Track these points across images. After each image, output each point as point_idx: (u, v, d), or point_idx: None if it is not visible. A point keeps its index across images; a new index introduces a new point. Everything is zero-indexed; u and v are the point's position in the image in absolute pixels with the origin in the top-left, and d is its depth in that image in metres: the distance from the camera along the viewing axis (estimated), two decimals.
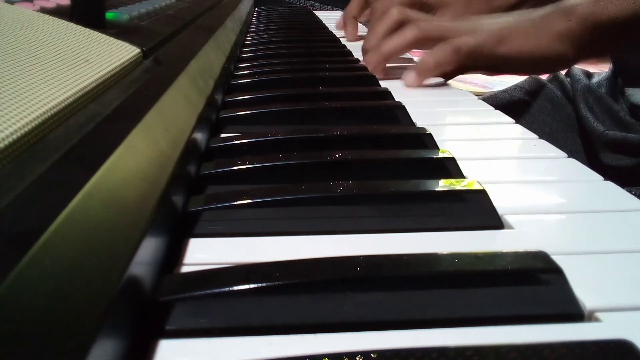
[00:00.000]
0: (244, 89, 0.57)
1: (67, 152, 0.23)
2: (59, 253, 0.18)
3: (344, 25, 1.01)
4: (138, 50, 0.41)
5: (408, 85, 0.61)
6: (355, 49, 0.80)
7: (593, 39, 0.61)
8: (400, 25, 0.66)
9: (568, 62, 0.66)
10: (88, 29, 0.40)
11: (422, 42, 0.65)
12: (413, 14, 0.68)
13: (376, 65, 0.65)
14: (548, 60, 0.62)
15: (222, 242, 0.28)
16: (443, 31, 0.63)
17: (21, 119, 0.23)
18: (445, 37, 0.62)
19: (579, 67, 0.86)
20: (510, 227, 0.29)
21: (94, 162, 0.23)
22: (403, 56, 0.74)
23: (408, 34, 0.64)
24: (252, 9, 1.35)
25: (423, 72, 0.61)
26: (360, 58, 0.75)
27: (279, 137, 0.39)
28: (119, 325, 0.18)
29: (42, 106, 0.25)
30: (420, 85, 0.61)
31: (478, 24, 0.64)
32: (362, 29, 1.02)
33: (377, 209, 0.30)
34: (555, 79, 0.89)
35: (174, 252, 0.26)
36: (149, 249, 0.22)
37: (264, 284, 0.22)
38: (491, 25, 0.63)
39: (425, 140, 0.40)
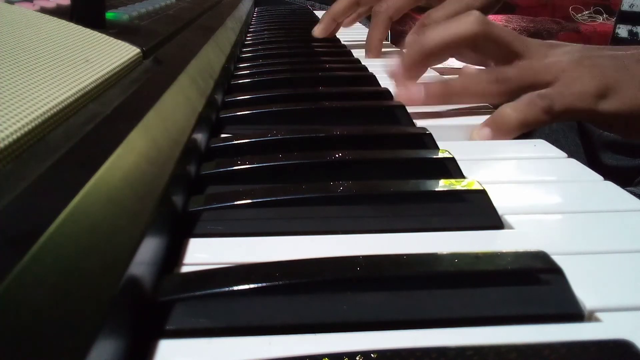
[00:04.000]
0: (244, 89, 0.57)
1: (67, 152, 0.23)
2: (59, 253, 0.18)
3: (321, 22, 0.89)
4: (138, 50, 0.41)
5: (476, 139, 0.45)
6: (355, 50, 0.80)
7: None
8: (477, 41, 0.50)
9: None
10: (88, 29, 0.40)
11: (481, 43, 0.49)
12: (495, 26, 0.50)
13: (411, 62, 0.50)
14: None
15: (222, 242, 0.28)
16: (529, 75, 0.48)
17: (21, 119, 0.23)
18: (533, 83, 0.47)
19: None
20: (510, 227, 0.29)
21: (94, 162, 0.23)
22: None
23: (487, 86, 0.48)
24: (252, 9, 1.35)
25: (503, 130, 0.45)
26: (358, 56, 0.75)
27: (279, 137, 0.39)
28: (119, 325, 0.18)
29: (42, 106, 0.25)
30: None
31: (572, 61, 0.47)
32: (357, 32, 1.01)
33: (377, 209, 0.30)
34: None
35: (174, 252, 0.26)
36: (149, 249, 0.22)
37: (264, 284, 0.22)
38: (590, 69, 0.46)
39: (425, 140, 0.40)
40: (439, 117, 0.49)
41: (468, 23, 0.49)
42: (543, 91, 0.46)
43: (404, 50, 0.56)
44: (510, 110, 0.45)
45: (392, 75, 0.52)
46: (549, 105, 0.45)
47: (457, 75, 0.52)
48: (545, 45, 0.51)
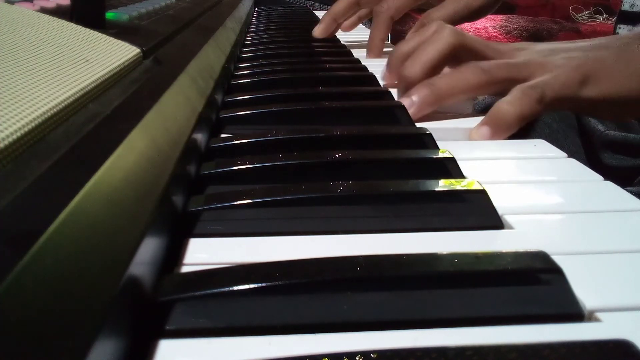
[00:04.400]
0: (244, 89, 0.57)
1: (67, 152, 0.23)
2: (59, 253, 0.18)
3: (321, 22, 0.88)
4: (138, 50, 0.41)
5: (476, 139, 0.45)
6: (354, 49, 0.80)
7: None
8: (455, 52, 0.52)
9: None
10: (88, 29, 0.40)
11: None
12: (467, 36, 0.53)
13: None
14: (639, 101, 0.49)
15: (222, 242, 0.28)
16: (512, 70, 0.49)
17: (21, 119, 0.23)
18: (515, 78, 0.48)
19: None
20: (510, 227, 0.29)
21: (94, 162, 0.23)
22: None
23: (471, 77, 0.48)
24: (252, 9, 1.35)
25: (502, 126, 0.45)
26: (358, 56, 0.75)
27: (279, 137, 0.39)
28: (119, 325, 0.18)
29: (42, 106, 0.25)
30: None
31: (548, 57, 0.50)
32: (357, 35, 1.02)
33: (377, 209, 0.30)
34: None
35: (174, 252, 0.26)
36: (149, 249, 0.22)
37: (264, 284, 0.22)
38: (568, 60, 0.49)
39: (425, 140, 0.40)
40: (439, 119, 0.49)
41: (444, 37, 0.51)
42: (532, 82, 0.47)
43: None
44: (507, 105, 0.45)
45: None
46: (541, 94, 0.46)
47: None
48: (515, 47, 0.54)
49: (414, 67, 0.51)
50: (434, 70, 0.52)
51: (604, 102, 0.49)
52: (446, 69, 0.53)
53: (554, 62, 0.49)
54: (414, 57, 0.52)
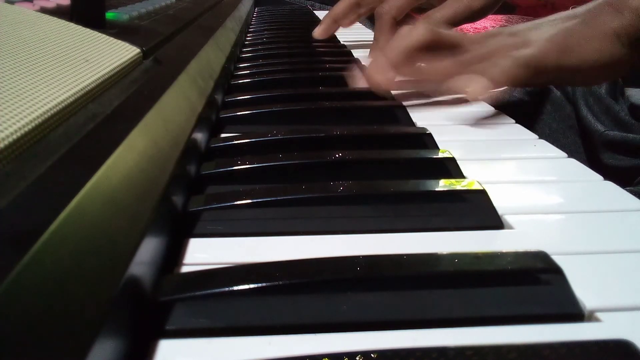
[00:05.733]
0: (244, 89, 0.57)
1: (67, 152, 0.23)
2: (59, 253, 0.18)
3: (322, 23, 0.89)
4: (138, 50, 0.41)
5: (472, 99, 0.51)
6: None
7: None
8: (428, 45, 0.55)
9: (631, 64, 0.55)
10: (88, 29, 0.40)
11: (433, 46, 0.54)
12: (443, 31, 0.56)
13: (386, 75, 0.53)
14: (611, 65, 0.53)
15: (222, 242, 0.28)
16: (485, 55, 0.53)
17: (21, 119, 0.23)
18: (465, 48, 0.53)
19: None
20: (510, 227, 0.29)
21: (94, 162, 0.23)
22: None
23: (418, 34, 0.54)
24: (252, 9, 1.35)
25: (489, 85, 0.49)
26: (358, 56, 0.75)
27: (279, 137, 0.39)
28: (120, 325, 0.18)
29: (42, 106, 0.25)
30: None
31: (521, 36, 0.53)
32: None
33: (377, 209, 0.30)
34: None
35: (174, 252, 0.26)
36: (149, 249, 0.22)
37: (264, 284, 0.22)
38: (541, 34, 0.52)
39: (425, 140, 0.40)
40: (439, 117, 0.49)
41: (419, 32, 0.55)
42: (510, 53, 0.51)
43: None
44: (492, 66, 0.50)
45: (356, 83, 0.57)
46: (526, 61, 0.50)
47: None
48: (489, 34, 0.57)
49: (392, 48, 0.55)
50: (404, 59, 0.55)
51: (580, 67, 0.52)
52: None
53: (530, 38, 0.52)
54: (392, 41, 0.56)
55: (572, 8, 0.56)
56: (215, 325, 0.21)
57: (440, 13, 0.78)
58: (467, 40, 0.55)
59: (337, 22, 0.88)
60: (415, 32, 0.55)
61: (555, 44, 0.51)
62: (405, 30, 0.58)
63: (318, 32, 0.88)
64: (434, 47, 0.55)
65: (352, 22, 1.00)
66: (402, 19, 0.84)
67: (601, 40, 0.52)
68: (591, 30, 0.52)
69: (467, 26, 1.95)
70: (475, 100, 0.52)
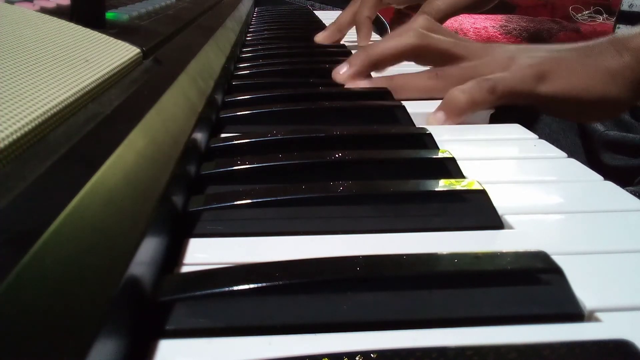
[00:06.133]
0: (244, 89, 0.57)
1: (67, 152, 0.23)
2: (59, 253, 0.18)
3: (326, 30, 0.89)
4: (138, 50, 0.41)
5: (433, 124, 0.48)
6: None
7: None
8: (416, 52, 0.55)
9: (622, 107, 0.55)
10: (88, 29, 0.40)
11: (421, 53, 0.55)
12: (433, 37, 0.55)
13: (363, 64, 0.55)
14: (598, 104, 0.51)
15: (222, 242, 0.28)
16: (467, 71, 0.53)
17: (21, 119, 0.23)
18: (473, 77, 0.51)
19: None
20: (510, 227, 0.29)
21: (94, 162, 0.23)
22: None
23: (404, 40, 0.54)
24: (252, 9, 1.35)
25: (454, 111, 0.48)
26: None
27: (279, 137, 0.39)
28: (119, 325, 0.18)
29: (42, 106, 0.25)
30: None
31: (511, 57, 0.53)
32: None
33: (377, 209, 0.30)
34: None
35: (174, 252, 0.26)
36: (149, 249, 0.22)
37: (264, 284, 0.22)
38: (529, 59, 0.52)
39: (425, 140, 0.40)
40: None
41: (408, 37, 0.54)
42: (488, 76, 0.50)
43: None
44: (459, 92, 0.49)
45: (339, 78, 0.56)
46: (493, 86, 0.49)
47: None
48: (486, 46, 0.56)
49: (375, 49, 0.55)
50: (391, 59, 0.55)
51: (559, 99, 0.51)
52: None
53: (515, 60, 0.52)
54: (380, 41, 0.56)
55: (571, 10, 0.56)
56: (216, 325, 0.21)
57: (441, 1, 0.79)
58: (459, 50, 0.55)
59: (342, 32, 0.88)
60: (405, 36, 0.55)
61: (534, 71, 0.51)
62: (397, 31, 0.57)
63: (320, 38, 0.89)
64: (423, 53, 0.55)
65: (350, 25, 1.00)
66: (400, 19, 0.85)
67: (591, 78, 0.51)
68: (583, 66, 0.51)
69: (467, 26, 1.95)
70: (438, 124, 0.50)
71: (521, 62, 0.51)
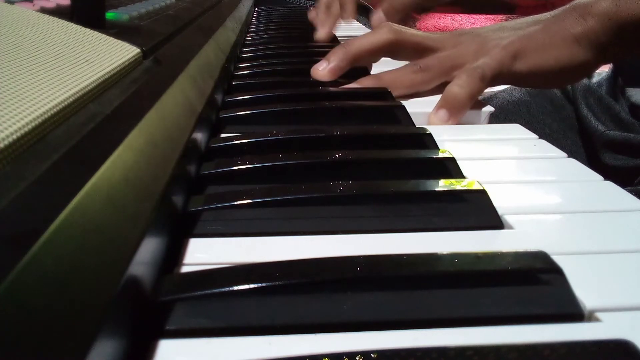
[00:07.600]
0: (244, 89, 0.57)
1: (67, 152, 0.23)
2: (59, 253, 0.18)
3: (323, 26, 0.90)
4: (138, 50, 0.41)
5: (436, 124, 0.49)
6: None
7: (616, 40, 0.53)
8: (391, 48, 0.58)
9: (591, 68, 0.57)
10: (88, 29, 0.40)
11: (397, 48, 0.57)
12: (406, 32, 0.57)
13: (338, 63, 0.56)
14: (570, 70, 0.54)
15: (222, 242, 0.28)
16: (445, 61, 0.55)
17: (21, 119, 0.23)
18: (452, 67, 0.54)
19: None
20: (510, 227, 0.29)
21: (94, 162, 0.23)
22: None
23: (380, 36, 0.56)
24: (252, 9, 1.35)
25: (456, 107, 0.50)
26: None
27: (279, 137, 0.39)
28: (119, 325, 0.18)
29: (42, 106, 0.25)
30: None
31: (483, 42, 0.55)
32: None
33: (377, 209, 0.30)
34: None
35: (174, 252, 0.26)
36: (149, 249, 0.22)
37: (264, 284, 0.22)
38: (500, 41, 0.54)
39: (425, 140, 0.40)
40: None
41: (383, 32, 0.57)
42: (474, 64, 0.53)
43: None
44: (457, 87, 0.50)
45: (318, 75, 0.57)
46: (482, 73, 0.51)
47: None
48: (455, 34, 0.58)
49: (352, 46, 0.57)
50: (368, 55, 0.57)
51: (535, 72, 0.54)
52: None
53: (488, 45, 0.54)
54: (356, 39, 0.57)
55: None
56: (215, 325, 0.21)
57: None
58: (431, 42, 0.57)
59: (334, 15, 0.91)
60: (381, 32, 0.57)
61: (509, 51, 0.53)
62: (374, 29, 0.59)
63: (322, 35, 0.89)
64: (398, 48, 0.57)
65: (352, 14, 1.02)
66: (399, 19, 0.85)
67: (559, 47, 0.53)
68: (550, 36, 0.54)
69: (467, 26, 1.95)
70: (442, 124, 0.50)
71: (494, 44, 0.54)
